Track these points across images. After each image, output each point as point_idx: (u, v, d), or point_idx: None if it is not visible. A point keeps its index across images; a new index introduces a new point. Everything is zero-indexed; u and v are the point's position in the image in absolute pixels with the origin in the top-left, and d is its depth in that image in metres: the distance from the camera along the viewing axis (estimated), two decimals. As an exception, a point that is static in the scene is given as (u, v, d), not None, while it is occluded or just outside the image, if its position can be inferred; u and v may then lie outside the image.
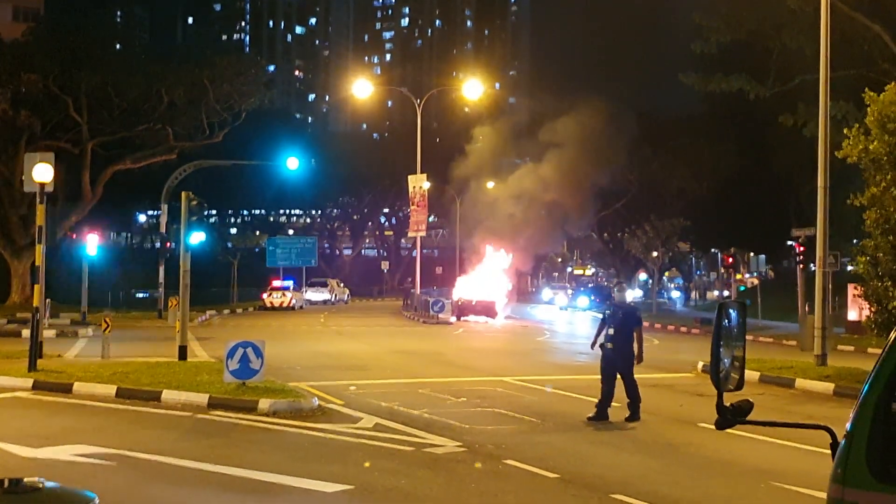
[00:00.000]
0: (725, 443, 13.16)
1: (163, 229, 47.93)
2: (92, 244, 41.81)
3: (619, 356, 15.79)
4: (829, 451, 3.81)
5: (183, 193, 22.66)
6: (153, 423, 15.28)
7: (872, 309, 21.19)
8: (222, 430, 14.54)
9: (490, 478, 11.30)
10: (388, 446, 13.08)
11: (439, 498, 10.34)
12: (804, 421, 3.97)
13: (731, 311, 3.98)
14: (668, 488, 10.66)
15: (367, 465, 11.82)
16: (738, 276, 65.52)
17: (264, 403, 16.09)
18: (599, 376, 15.91)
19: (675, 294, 74.26)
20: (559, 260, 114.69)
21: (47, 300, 40.77)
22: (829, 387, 19.54)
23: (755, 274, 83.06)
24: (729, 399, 3.97)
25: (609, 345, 15.91)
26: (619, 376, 15.71)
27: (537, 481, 11.05)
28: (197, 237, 22.90)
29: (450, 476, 11.40)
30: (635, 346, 15.91)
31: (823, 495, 3.74)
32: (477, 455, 12.58)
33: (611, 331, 16.00)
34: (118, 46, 54.81)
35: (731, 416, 3.88)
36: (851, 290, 36.76)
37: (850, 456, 3.62)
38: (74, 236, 49.89)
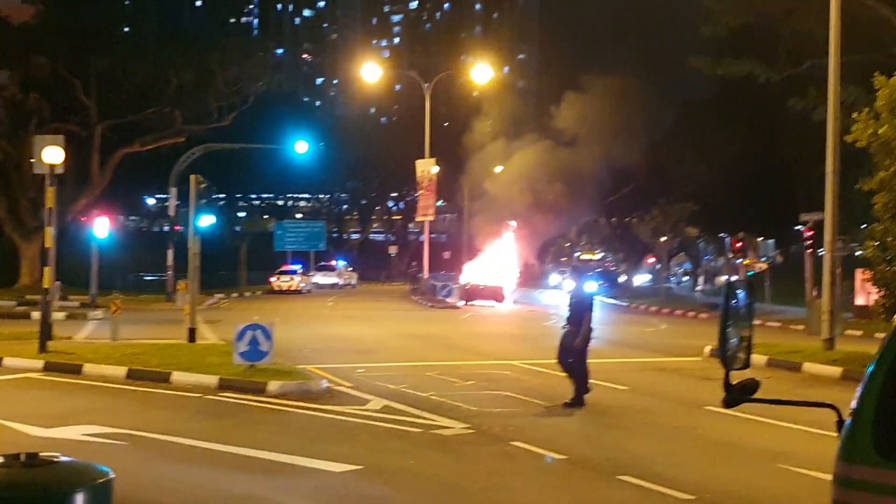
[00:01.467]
0: (732, 425, 13.20)
1: (171, 213, 48.05)
2: (101, 227, 41.91)
3: (572, 341, 15.67)
4: (835, 434, 3.85)
5: (192, 176, 22.74)
6: (163, 403, 15.39)
7: (881, 293, 21.16)
8: (232, 411, 14.64)
9: (497, 459, 11.37)
10: (397, 428, 13.17)
11: (447, 478, 10.41)
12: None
13: (739, 290, 4.02)
14: (675, 470, 10.72)
15: (375, 447, 11.89)
16: (747, 262, 65.31)
17: (273, 385, 16.19)
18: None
19: (676, 278, 73.88)
20: (567, 245, 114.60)
21: (57, 282, 41.00)
22: (836, 371, 19.56)
23: (764, 259, 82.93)
24: (736, 379, 4.01)
25: (565, 328, 15.88)
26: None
27: (544, 463, 11.12)
28: (206, 220, 22.98)
29: (458, 457, 11.47)
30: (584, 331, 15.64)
31: (830, 477, 3.78)
32: (485, 437, 12.65)
33: (567, 316, 16.02)
34: (126, 29, 54.85)
35: (738, 395, 3.92)
36: (860, 274, 36.70)
37: (855, 433, 3.65)
38: (84, 219, 49.99)
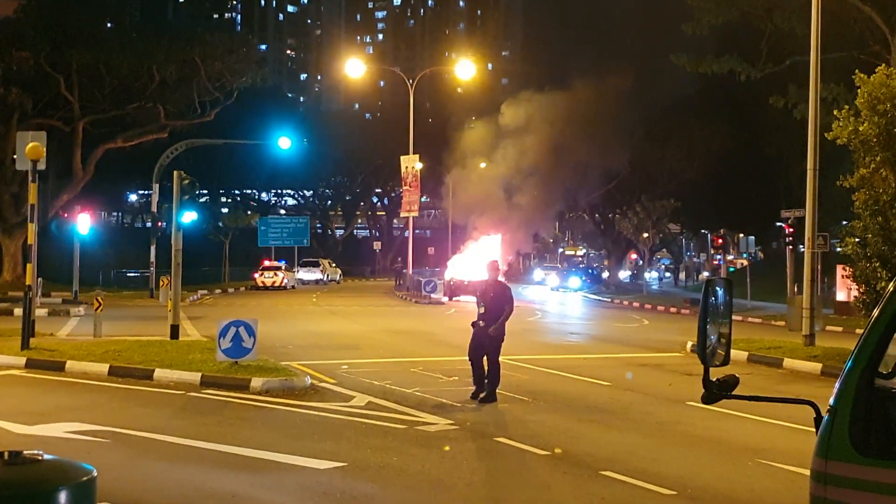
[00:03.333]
0: (714, 421, 13.29)
1: (154, 208, 47.95)
2: (84, 223, 41.78)
3: (487, 335, 15.63)
4: (815, 430, 3.91)
5: (175, 172, 22.68)
6: (146, 400, 15.36)
7: (860, 290, 21.32)
8: (215, 408, 14.63)
9: (481, 455, 11.41)
10: (381, 424, 13.18)
11: (431, 475, 10.44)
12: (792, 400, 4.09)
13: (717, 287, 4.07)
14: (657, 465, 10.78)
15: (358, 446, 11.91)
16: (729, 258, 65.54)
17: (257, 382, 16.18)
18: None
19: (659, 273, 73.55)
20: (551, 241, 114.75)
21: (39, 279, 40.86)
22: (816, 367, 19.68)
23: (745, 255, 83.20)
24: (715, 375, 4.07)
25: (481, 323, 15.81)
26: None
27: (528, 459, 11.17)
28: (189, 216, 22.94)
29: (442, 453, 11.50)
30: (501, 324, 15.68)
31: (809, 473, 3.83)
32: (469, 433, 12.69)
33: (481, 309, 15.90)
34: (109, 24, 54.63)
35: (717, 391, 3.98)
36: (840, 270, 36.93)
37: (832, 430, 3.71)
38: (66, 215, 49.84)
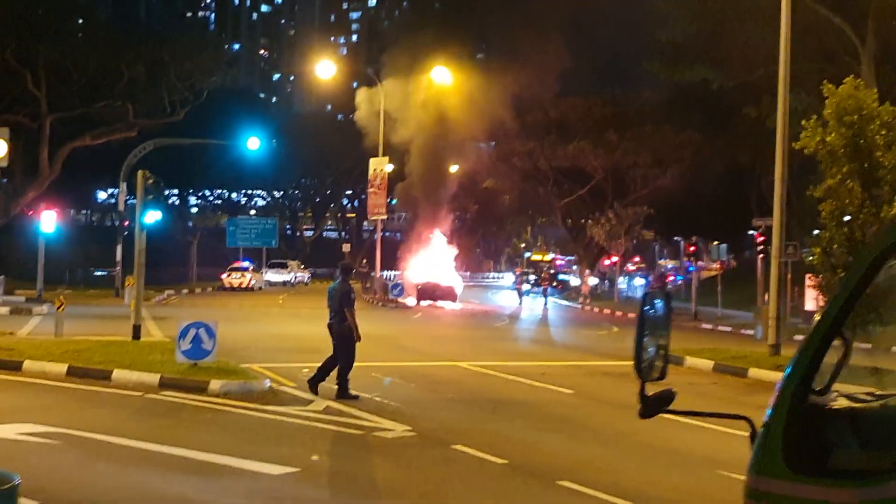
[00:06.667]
0: (675, 431, 13.20)
1: (121, 207, 47.58)
2: (48, 221, 41.35)
3: (334, 334, 16.29)
4: (751, 445, 3.82)
5: (139, 172, 22.45)
6: (102, 402, 15.15)
7: (826, 300, 21.35)
8: (172, 411, 14.44)
9: (437, 463, 11.28)
10: (337, 430, 13.04)
11: (385, 482, 10.31)
12: (754, 411, 3.98)
13: (656, 299, 3.98)
14: (614, 476, 10.68)
15: (314, 457, 11.74)
16: (700, 264, 65.56)
17: (215, 384, 16.00)
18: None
19: (592, 280, 72.98)
20: (522, 246, 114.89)
21: (1, 276, 40.43)
22: (781, 376, 19.64)
23: (713, 265, 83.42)
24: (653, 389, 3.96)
25: (330, 324, 16.46)
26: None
27: (485, 467, 11.03)
28: (152, 216, 22.70)
29: (397, 461, 11.37)
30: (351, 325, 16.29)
31: None
32: (426, 440, 12.56)
33: (330, 311, 16.49)
34: (80, 21, 54.11)
35: (653, 406, 3.88)
36: (808, 280, 37.02)
37: (766, 446, 3.65)
38: (31, 213, 49.32)
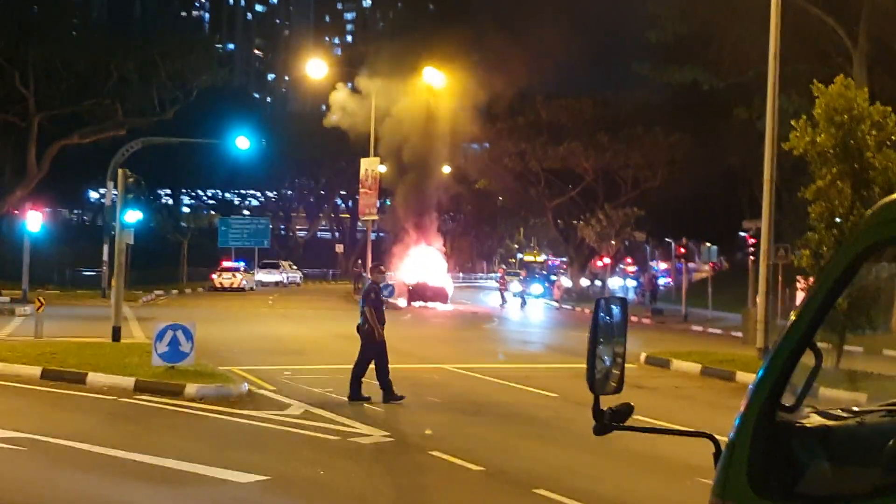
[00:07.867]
0: (656, 438, 12.89)
1: (108, 206, 47.12)
2: (34, 221, 40.96)
3: (361, 334, 16.16)
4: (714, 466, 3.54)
5: (119, 171, 22.18)
6: (74, 406, 14.86)
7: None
8: (144, 416, 14.13)
9: (412, 470, 10.99)
10: (314, 435, 12.74)
11: (357, 490, 10.01)
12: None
13: (612, 306, 3.68)
14: (593, 483, 10.41)
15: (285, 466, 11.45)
16: (691, 266, 65.32)
17: (191, 388, 15.69)
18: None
19: (564, 282, 72.33)
20: (515, 246, 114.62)
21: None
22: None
23: (704, 267, 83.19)
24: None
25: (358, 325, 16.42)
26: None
27: (460, 474, 10.74)
28: (133, 216, 22.42)
29: (371, 467, 11.08)
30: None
31: None
32: (403, 446, 12.28)
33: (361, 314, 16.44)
34: (74, 20, 53.80)
35: (608, 422, 3.57)
36: (799, 283, 36.75)
37: (730, 467, 3.34)
38: (19, 212, 48.94)
